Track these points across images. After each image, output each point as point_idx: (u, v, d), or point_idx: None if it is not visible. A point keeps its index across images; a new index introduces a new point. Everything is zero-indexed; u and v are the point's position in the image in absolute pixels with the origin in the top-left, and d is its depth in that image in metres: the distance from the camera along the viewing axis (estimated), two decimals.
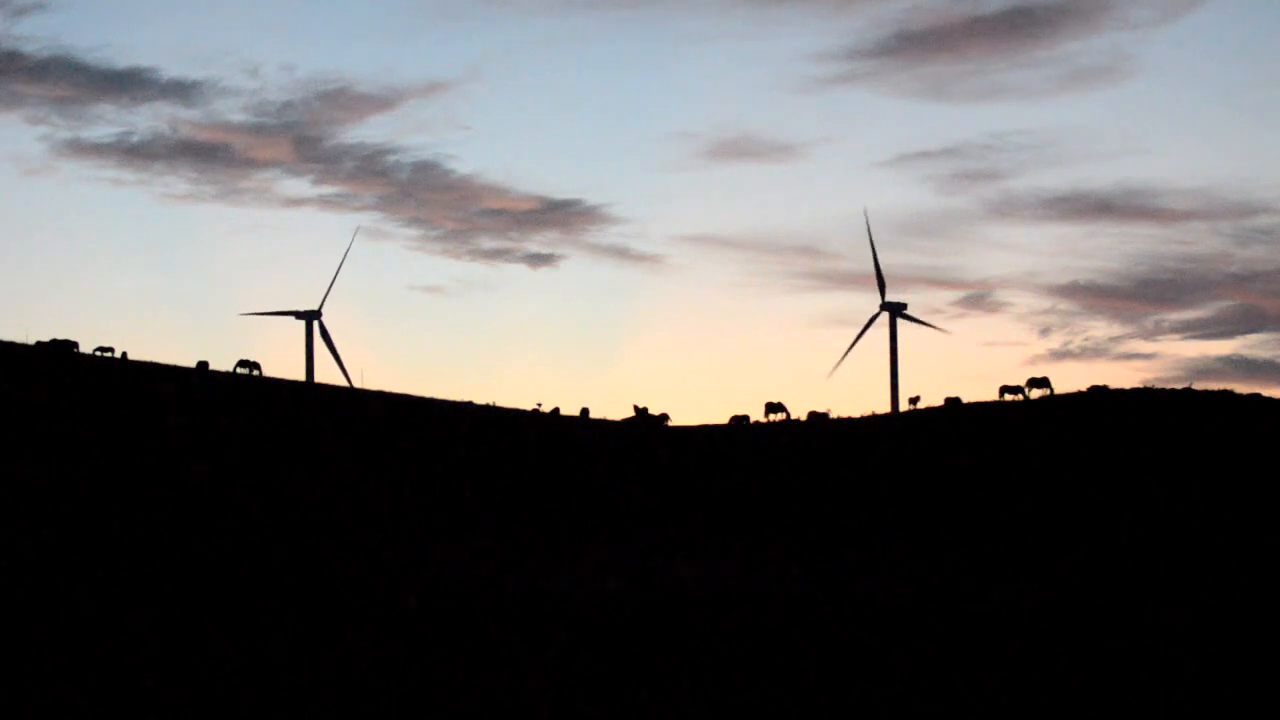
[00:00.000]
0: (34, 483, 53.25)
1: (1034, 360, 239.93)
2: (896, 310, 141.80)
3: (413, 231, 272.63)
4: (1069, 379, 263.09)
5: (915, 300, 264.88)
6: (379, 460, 70.23)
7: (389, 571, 43.49)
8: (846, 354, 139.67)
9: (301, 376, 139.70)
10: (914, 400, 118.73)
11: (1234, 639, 37.30)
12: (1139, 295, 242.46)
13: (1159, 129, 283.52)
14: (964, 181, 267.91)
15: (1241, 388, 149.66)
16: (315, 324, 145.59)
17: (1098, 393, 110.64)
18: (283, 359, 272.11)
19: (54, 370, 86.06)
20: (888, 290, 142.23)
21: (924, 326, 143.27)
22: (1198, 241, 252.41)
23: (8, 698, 27.64)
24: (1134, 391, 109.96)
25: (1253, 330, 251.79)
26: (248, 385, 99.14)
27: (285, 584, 40.69)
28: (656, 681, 30.84)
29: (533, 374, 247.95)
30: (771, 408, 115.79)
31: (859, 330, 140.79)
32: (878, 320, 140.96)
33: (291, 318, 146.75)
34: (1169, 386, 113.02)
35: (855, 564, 48.61)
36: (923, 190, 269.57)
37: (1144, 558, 50.63)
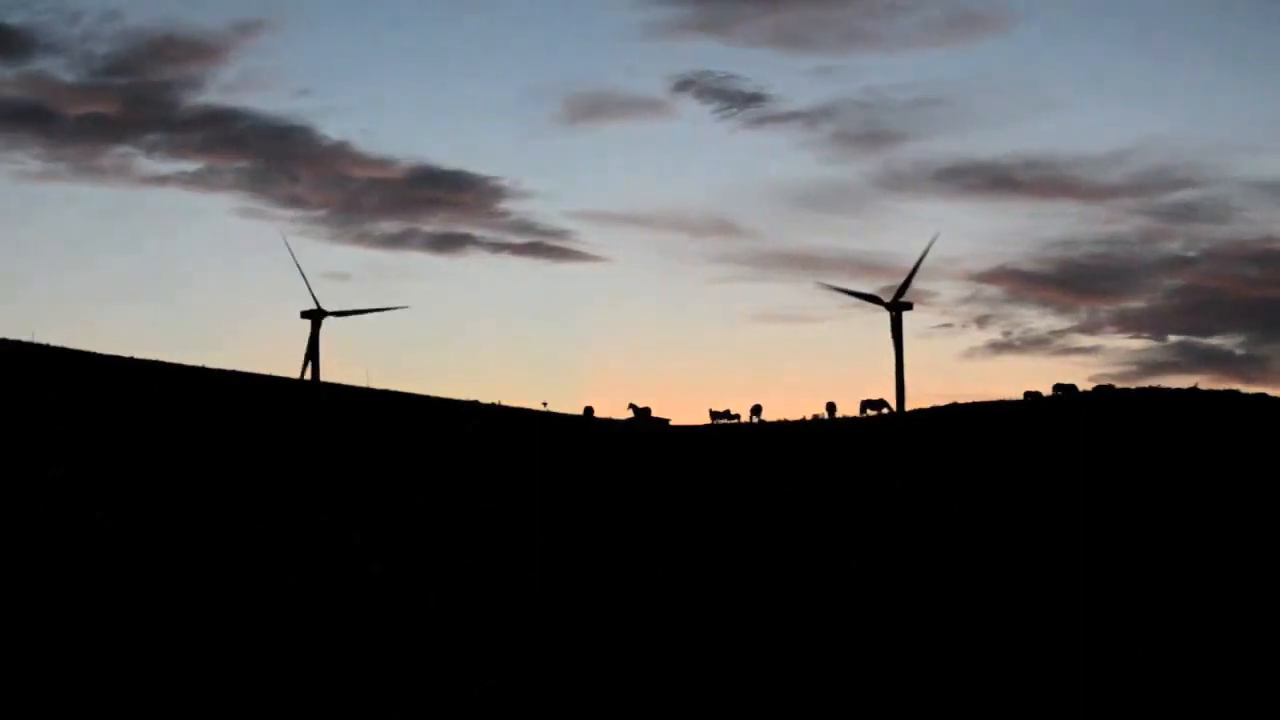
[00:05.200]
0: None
1: (972, 354, 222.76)
2: (901, 307, 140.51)
3: (293, 213, 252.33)
4: (1031, 375, 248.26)
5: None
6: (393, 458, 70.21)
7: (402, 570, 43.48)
8: (838, 290, 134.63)
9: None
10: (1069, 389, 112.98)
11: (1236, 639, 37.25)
12: (1069, 284, 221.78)
13: (1054, 85, 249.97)
14: (846, 147, 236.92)
15: (1201, 380, 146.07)
16: (322, 324, 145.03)
17: (1104, 392, 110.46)
18: (285, 359, 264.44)
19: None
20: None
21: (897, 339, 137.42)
22: (1122, 220, 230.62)
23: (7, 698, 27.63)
24: (1140, 391, 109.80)
25: (1201, 316, 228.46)
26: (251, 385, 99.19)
27: (295, 584, 40.68)
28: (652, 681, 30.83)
29: (473, 366, 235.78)
30: (870, 404, 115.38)
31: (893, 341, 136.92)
32: (886, 319, 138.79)
33: (306, 300, 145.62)
34: (1140, 384, 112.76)
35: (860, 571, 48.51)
36: (804, 157, 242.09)
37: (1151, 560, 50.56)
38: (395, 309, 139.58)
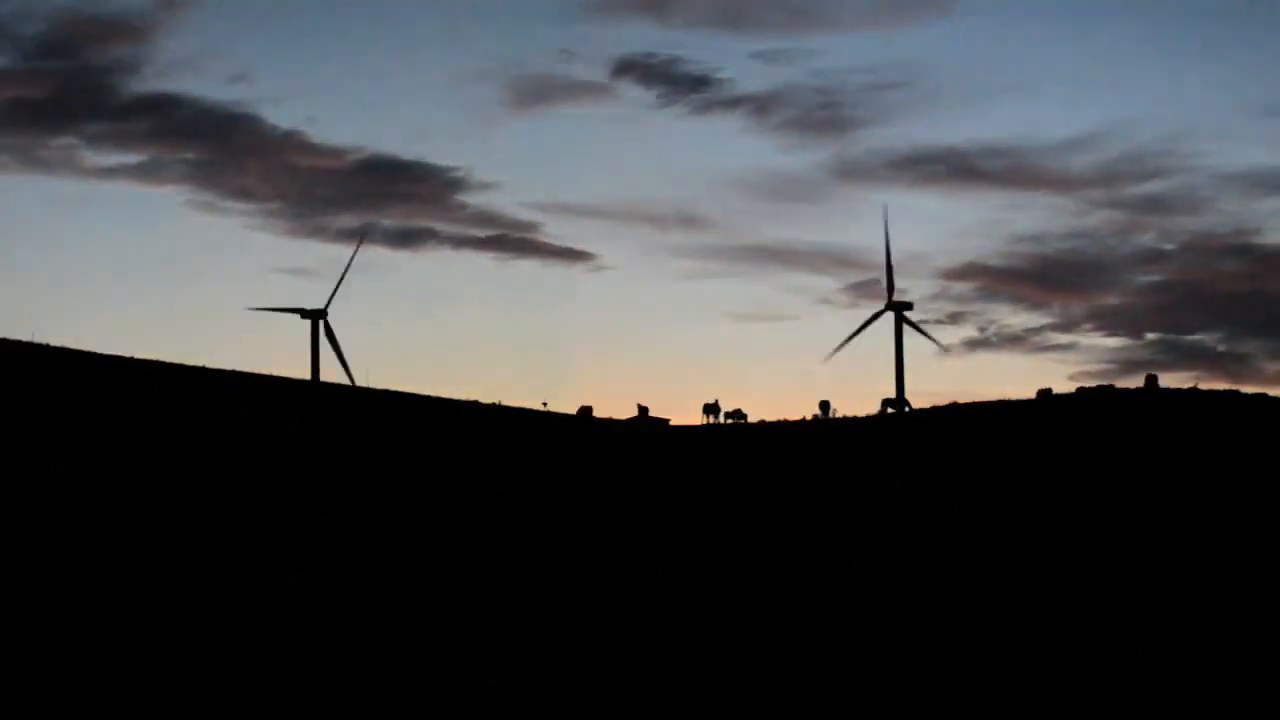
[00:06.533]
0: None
1: (948, 351, 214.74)
2: (901, 307, 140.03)
3: (245, 205, 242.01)
4: (1010, 373, 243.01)
5: (805, 283, 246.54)
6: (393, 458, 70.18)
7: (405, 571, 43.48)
8: (844, 345, 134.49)
9: (307, 374, 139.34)
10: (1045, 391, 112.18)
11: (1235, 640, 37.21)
12: (1041, 279, 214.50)
13: (1014, 67, 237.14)
14: (800, 134, 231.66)
15: (1183, 378, 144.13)
16: (321, 323, 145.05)
17: (1105, 392, 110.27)
18: (287, 358, 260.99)
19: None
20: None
21: (921, 335, 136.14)
22: (1091, 213, 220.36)
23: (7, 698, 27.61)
24: (1140, 391, 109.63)
25: (1178, 312, 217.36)
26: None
27: (307, 581, 40.67)
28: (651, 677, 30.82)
29: (450, 364, 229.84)
30: (890, 403, 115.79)
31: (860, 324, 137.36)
32: (882, 319, 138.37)
33: (297, 316, 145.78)
34: (1109, 383, 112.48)
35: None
36: (757, 145, 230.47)
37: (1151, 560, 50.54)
38: (355, 255, 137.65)
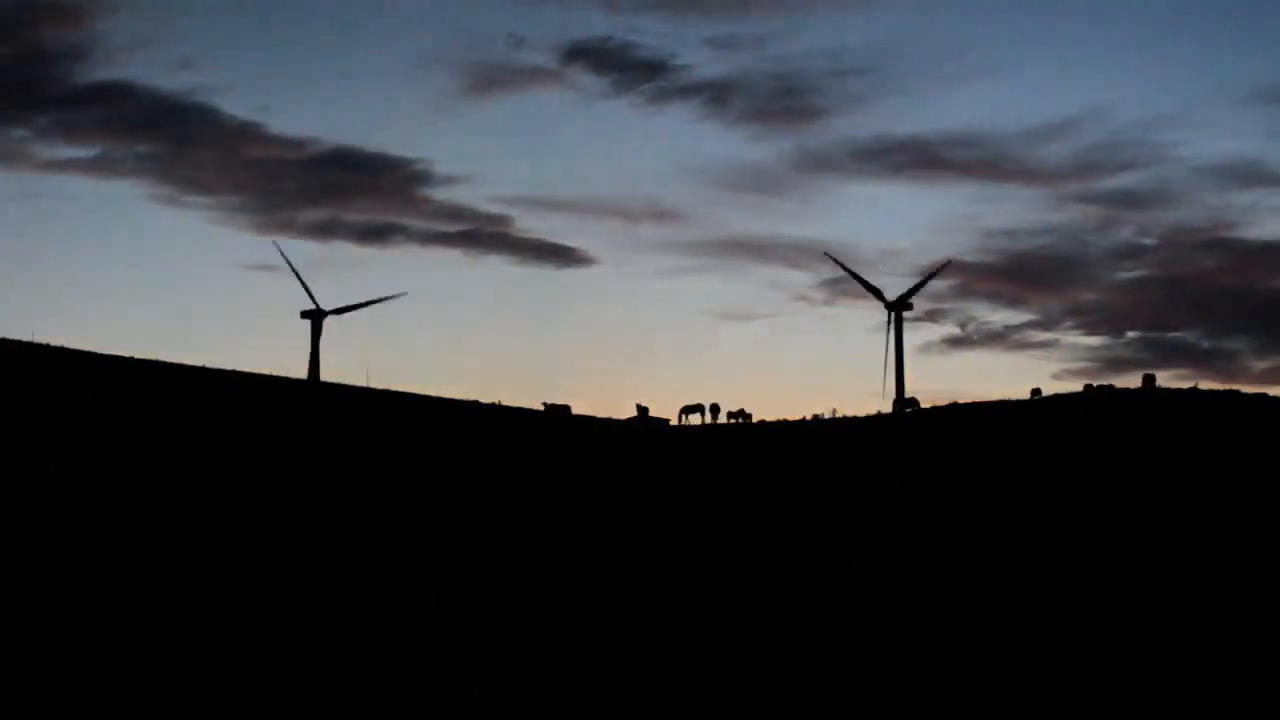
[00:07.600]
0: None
1: (929, 349, 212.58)
2: (901, 308, 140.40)
3: (207, 199, 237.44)
4: (995, 372, 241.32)
5: (781, 278, 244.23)
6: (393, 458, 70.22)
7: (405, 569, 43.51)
8: (888, 364, 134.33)
9: (305, 374, 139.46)
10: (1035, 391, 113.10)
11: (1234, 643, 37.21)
12: (1017, 276, 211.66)
13: (980, 52, 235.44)
14: (762, 123, 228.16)
15: (1169, 376, 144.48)
16: (321, 323, 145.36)
17: (1100, 393, 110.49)
18: (287, 358, 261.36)
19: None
20: (884, 286, 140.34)
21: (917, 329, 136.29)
22: (1065, 208, 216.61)
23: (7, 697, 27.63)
24: (1139, 391, 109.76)
25: (1158, 309, 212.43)
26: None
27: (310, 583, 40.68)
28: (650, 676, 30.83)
29: (431, 363, 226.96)
30: (904, 402, 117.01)
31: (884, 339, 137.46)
32: (885, 319, 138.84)
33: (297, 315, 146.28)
34: (1100, 383, 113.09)
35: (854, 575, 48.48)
36: (720, 135, 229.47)
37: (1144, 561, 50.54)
38: (394, 297, 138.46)
